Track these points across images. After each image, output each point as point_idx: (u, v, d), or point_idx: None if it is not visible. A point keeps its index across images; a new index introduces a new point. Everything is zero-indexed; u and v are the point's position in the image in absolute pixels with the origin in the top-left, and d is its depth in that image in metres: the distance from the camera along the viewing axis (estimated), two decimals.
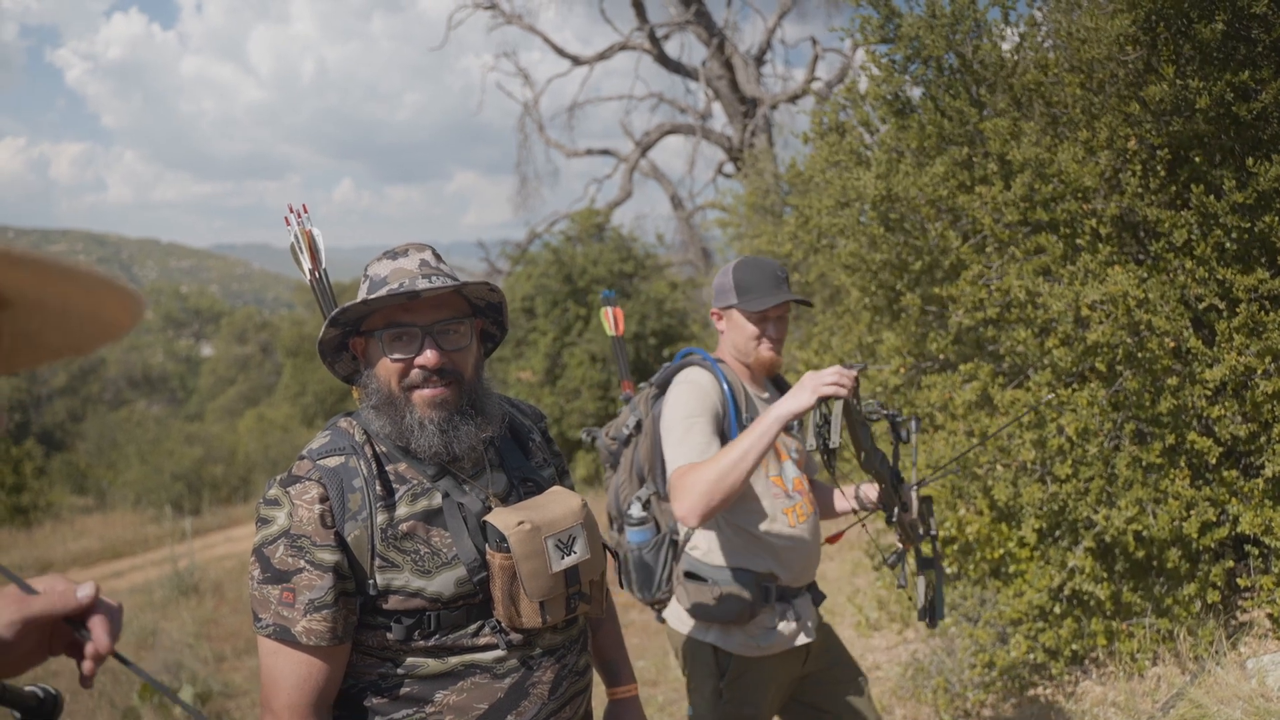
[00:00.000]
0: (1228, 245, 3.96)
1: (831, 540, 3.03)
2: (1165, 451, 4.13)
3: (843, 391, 2.46)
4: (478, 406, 1.87)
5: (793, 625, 2.87)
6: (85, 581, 1.21)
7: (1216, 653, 4.21)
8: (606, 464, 3.12)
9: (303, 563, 1.72)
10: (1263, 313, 3.93)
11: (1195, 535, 4.02)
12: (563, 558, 1.83)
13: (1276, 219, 3.82)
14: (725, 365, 2.93)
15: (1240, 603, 4.47)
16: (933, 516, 3.02)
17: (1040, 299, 4.18)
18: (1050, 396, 4.18)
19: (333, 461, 1.80)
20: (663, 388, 2.94)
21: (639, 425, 2.98)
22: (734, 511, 2.83)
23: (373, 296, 1.76)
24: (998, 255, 4.52)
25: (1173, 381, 4.04)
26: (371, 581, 1.76)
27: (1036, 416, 4.25)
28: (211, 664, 7.86)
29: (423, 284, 1.78)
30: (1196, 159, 4.08)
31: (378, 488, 1.78)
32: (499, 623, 1.82)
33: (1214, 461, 4.08)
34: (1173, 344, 4.06)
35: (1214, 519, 4.05)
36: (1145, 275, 4.11)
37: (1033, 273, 4.30)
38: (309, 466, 1.79)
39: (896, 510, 2.84)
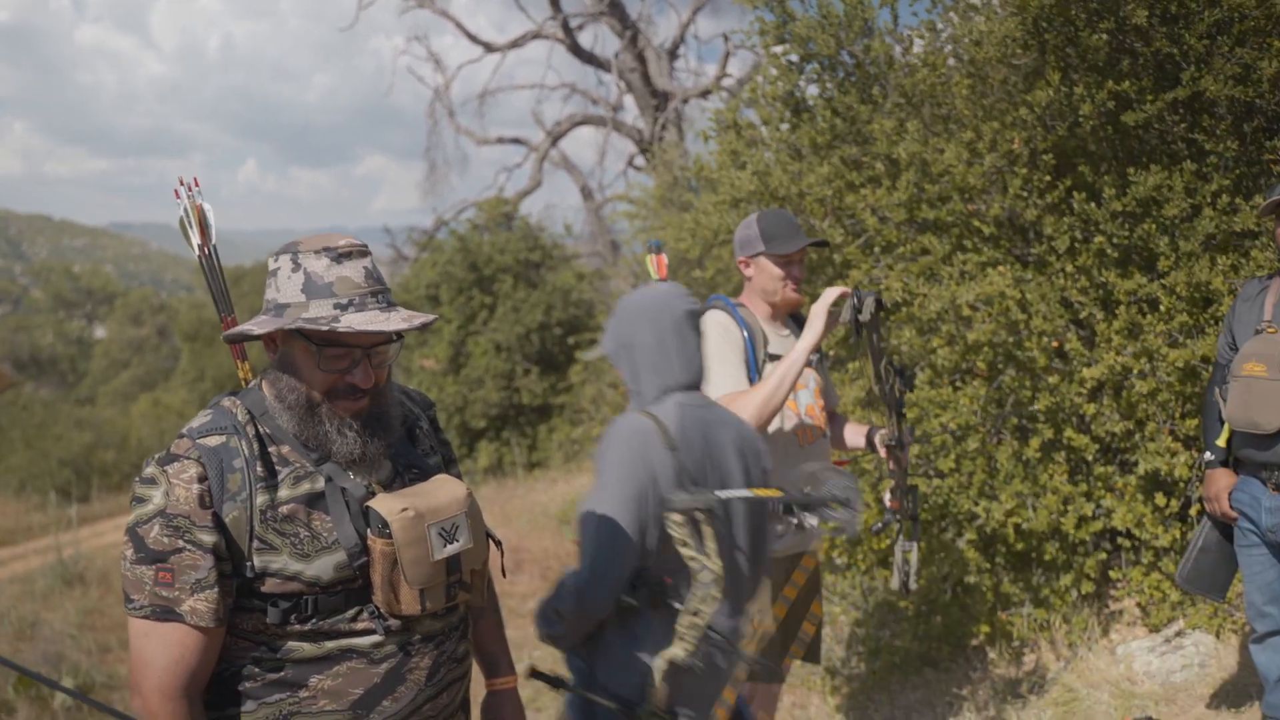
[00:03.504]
0: (1108, 251, 4.12)
1: (840, 464, 3.42)
2: (1044, 447, 4.28)
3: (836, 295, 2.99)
4: (385, 411, 1.89)
5: (794, 534, 3.19)
6: None
7: (1089, 640, 4.39)
8: None
9: (181, 542, 1.69)
10: (1140, 315, 4.10)
11: (1072, 529, 4.18)
12: (445, 545, 1.83)
13: (1154, 226, 3.98)
14: (745, 309, 3.29)
15: (1112, 593, 4.67)
16: (916, 502, 3.35)
17: (917, 299, 4.30)
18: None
19: (213, 441, 1.77)
20: None
21: None
22: None
23: (351, 330, 1.72)
24: (885, 255, 4.63)
25: (1053, 379, 4.19)
26: (249, 564, 1.74)
27: (920, 412, 4.37)
28: (95, 655, 7.61)
29: (373, 306, 1.78)
30: (1080, 168, 4.23)
31: (259, 469, 1.76)
32: (377, 608, 1.81)
33: (1090, 458, 4.24)
34: (1056, 344, 4.21)
35: (1090, 513, 4.22)
36: (1028, 276, 4.25)
37: (917, 273, 4.41)
38: (188, 445, 1.75)
39: (895, 441, 3.16)
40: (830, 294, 3.00)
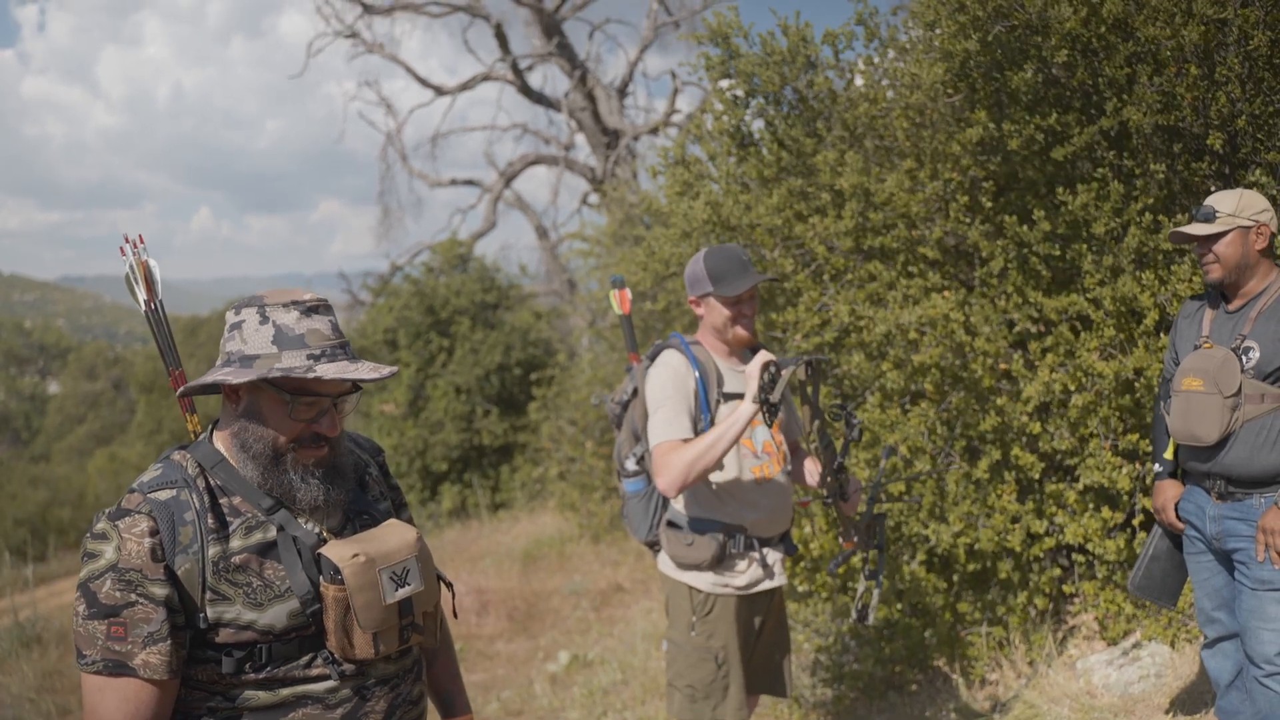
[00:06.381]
0: (1043, 272, 4.22)
1: (803, 504, 3.49)
2: (992, 467, 4.35)
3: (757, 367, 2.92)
4: (342, 461, 1.94)
5: (758, 571, 3.27)
6: None
7: (1048, 656, 4.45)
8: (613, 424, 3.51)
9: (134, 596, 1.71)
10: (1073, 333, 4.20)
11: (1018, 547, 4.25)
12: (396, 589, 1.86)
13: (1084, 246, 4.09)
14: (700, 346, 3.28)
15: (1069, 608, 4.74)
16: (882, 532, 3.40)
17: (863, 323, 4.38)
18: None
19: (164, 495, 1.79)
20: (654, 360, 3.30)
21: (635, 391, 3.37)
22: None
23: (327, 378, 1.78)
24: (834, 283, 4.71)
25: (1001, 400, 4.27)
26: (202, 615, 1.76)
27: (870, 436, 4.44)
28: (55, 718, 7.48)
29: (341, 357, 1.84)
30: (1013, 195, 4.34)
31: (210, 520, 1.78)
32: (331, 654, 1.83)
33: (1037, 476, 4.32)
34: (1006, 366, 4.30)
35: (1042, 531, 4.29)
36: (972, 300, 4.35)
37: (865, 299, 4.49)
38: (139, 500, 1.78)
39: (833, 495, 3.16)
40: (760, 359, 2.94)
